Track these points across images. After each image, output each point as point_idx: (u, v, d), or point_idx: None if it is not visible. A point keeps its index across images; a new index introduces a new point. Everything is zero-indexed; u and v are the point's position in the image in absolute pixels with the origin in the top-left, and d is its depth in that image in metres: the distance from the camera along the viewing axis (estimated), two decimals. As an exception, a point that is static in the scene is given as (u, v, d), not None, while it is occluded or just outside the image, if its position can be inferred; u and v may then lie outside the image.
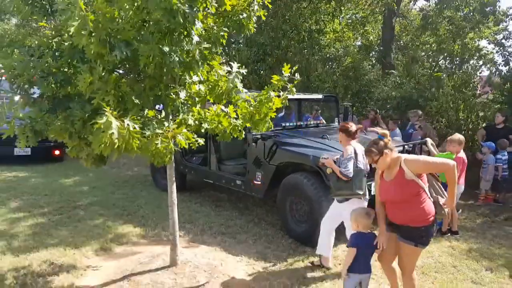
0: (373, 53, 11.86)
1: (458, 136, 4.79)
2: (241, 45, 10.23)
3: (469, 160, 6.47)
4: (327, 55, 11.01)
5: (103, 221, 5.02)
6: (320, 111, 7.56)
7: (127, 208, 5.55)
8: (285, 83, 2.99)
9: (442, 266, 3.97)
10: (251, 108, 3.07)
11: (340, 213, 3.59)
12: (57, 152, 8.57)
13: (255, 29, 3.10)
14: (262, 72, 9.75)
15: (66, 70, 2.90)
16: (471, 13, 10.08)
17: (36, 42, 2.90)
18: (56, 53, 2.85)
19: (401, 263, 2.93)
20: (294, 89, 3.05)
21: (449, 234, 4.76)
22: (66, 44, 2.73)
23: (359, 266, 2.88)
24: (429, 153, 5.24)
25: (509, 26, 19.72)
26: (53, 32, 2.92)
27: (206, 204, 5.80)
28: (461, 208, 5.75)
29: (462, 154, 4.78)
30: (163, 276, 3.53)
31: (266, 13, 3.05)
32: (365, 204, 3.52)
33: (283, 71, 2.97)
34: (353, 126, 3.55)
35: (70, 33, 2.12)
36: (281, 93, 3.06)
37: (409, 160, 2.71)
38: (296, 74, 2.94)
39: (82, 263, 3.84)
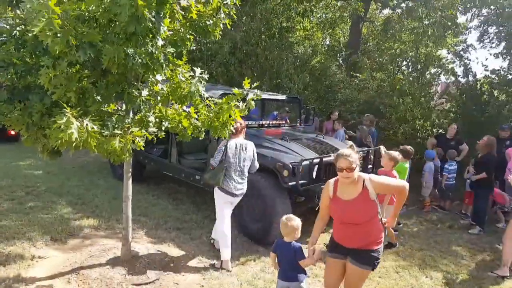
0: (340, 54, 12.15)
1: (393, 153, 4.62)
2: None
3: (419, 167, 6.94)
4: (296, 53, 11.16)
5: (55, 210, 4.91)
6: (289, 112, 7.68)
7: (81, 197, 5.46)
8: (245, 95, 3.06)
9: (386, 271, 4.16)
10: (211, 114, 3.12)
11: None
12: (12, 132, 8.20)
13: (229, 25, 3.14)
14: (231, 65, 9.72)
15: (28, 60, 2.83)
16: (433, 25, 10.55)
17: None
18: (19, 42, 2.78)
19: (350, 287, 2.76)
20: (253, 103, 3.13)
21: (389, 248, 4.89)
22: (30, 35, 2.65)
23: (282, 273, 2.79)
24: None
25: (468, 39, 20.86)
26: (17, 21, 2.82)
27: (163, 197, 5.81)
28: (408, 214, 6.15)
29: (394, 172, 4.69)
30: (113, 270, 3.54)
31: (231, 22, 3.09)
32: (225, 196, 3.88)
33: (243, 84, 3.04)
34: (237, 124, 3.75)
35: (34, 33, 2.06)
36: (241, 104, 3.13)
37: (376, 181, 2.56)
38: (256, 90, 3.03)
39: (30, 253, 3.77)
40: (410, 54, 11.95)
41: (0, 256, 3.65)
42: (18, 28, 2.82)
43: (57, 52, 2.17)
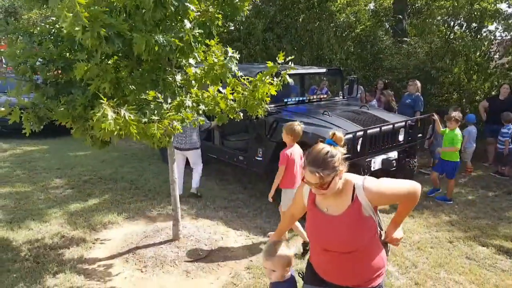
0: (386, 19, 11.37)
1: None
2: (251, 18, 9.91)
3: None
4: (338, 22, 10.63)
5: (111, 195, 5.23)
6: (326, 83, 7.44)
7: (134, 182, 5.76)
8: (278, 69, 2.98)
9: (438, 241, 4.04)
10: (246, 93, 3.09)
11: None
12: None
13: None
14: (270, 42, 9.53)
15: (67, 56, 2.96)
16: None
17: (38, 28, 2.96)
18: (58, 39, 2.91)
19: None
20: (287, 77, 3.04)
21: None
22: (65, 31, 2.77)
23: None
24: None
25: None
26: (54, 19, 2.96)
27: (210, 178, 5.95)
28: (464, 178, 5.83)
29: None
30: (166, 249, 3.73)
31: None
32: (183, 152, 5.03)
33: (277, 58, 2.94)
34: None
35: (63, 29, 2.15)
36: (275, 79, 3.06)
37: (372, 190, 1.68)
38: (290, 62, 2.92)
39: (91, 236, 4.07)
40: (466, 9, 10.89)
41: (64, 239, 3.98)
42: (56, 26, 2.96)
43: (89, 46, 2.23)
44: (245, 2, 2.92)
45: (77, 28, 2.09)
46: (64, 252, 3.73)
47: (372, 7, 12.94)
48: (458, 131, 5.02)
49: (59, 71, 2.89)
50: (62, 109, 2.70)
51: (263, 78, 3.02)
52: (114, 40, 2.29)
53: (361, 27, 10.58)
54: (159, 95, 3.15)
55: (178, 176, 4.38)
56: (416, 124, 4.96)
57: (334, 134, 1.77)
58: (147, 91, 2.94)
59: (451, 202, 5.07)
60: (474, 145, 6.32)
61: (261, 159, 4.87)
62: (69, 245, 3.86)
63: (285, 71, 3.06)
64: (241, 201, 5.05)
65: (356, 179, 1.72)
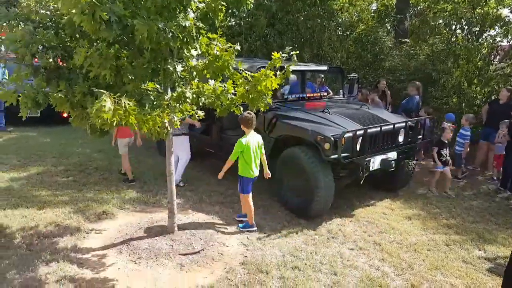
0: (388, 19, 11.33)
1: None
2: (253, 11, 9.87)
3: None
4: (340, 20, 10.59)
5: (107, 186, 5.19)
6: (324, 79, 7.41)
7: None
8: (283, 62, 2.96)
9: (435, 244, 4.02)
10: (248, 87, 3.06)
11: None
12: (65, 115, 8.67)
13: None
14: (270, 38, 9.48)
15: (67, 44, 2.93)
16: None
17: (39, 15, 2.92)
18: (59, 26, 2.87)
19: None
20: (290, 70, 3.01)
21: None
22: (66, 18, 2.73)
23: None
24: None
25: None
26: (56, 5, 2.91)
27: (207, 172, 5.92)
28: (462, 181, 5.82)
29: None
30: (161, 241, 3.70)
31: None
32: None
33: (281, 52, 2.93)
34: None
35: (60, 10, 2.10)
36: (278, 72, 3.03)
37: None
38: (293, 56, 2.90)
39: (85, 226, 4.03)
40: (467, 14, 10.88)
41: (58, 228, 3.94)
42: (57, 12, 2.91)
43: (89, 30, 2.19)
44: (249, -5, 2.88)
45: (74, 10, 2.04)
46: (58, 240, 3.69)
47: (374, 7, 12.90)
48: None
49: (59, 59, 2.84)
50: (61, 95, 2.65)
51: (266, 72, 2.98)
52: (113, 25, 2.24)
53: (362, 27, 10.55)
54: (158, 86, 3.12)
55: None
56: (416, 126, 4.93)
57: None
58: (147, 82, 2.90)
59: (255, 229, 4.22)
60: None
61: (259, 155, 4.82)
62: (63, 233, 3.82)
63: (288, 65, 3.03)
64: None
65: None
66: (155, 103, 2.85)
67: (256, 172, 4.01)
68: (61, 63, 2.98)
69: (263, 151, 4.11)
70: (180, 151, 5.25)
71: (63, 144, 7.27)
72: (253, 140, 3.94)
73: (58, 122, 8.64)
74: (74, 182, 5.26)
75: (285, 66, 3.02)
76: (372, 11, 11.64)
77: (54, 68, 2.95)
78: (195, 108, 3.18)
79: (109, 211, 4.38)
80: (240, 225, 4.17)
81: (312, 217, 4.36)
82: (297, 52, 3.13)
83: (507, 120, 5.73)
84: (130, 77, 2.67)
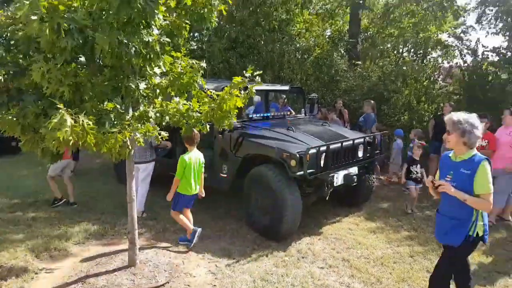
0: (341, 44, 11.95)
1: None
2: (211, 36, 10.05)
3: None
4: (298, 45, 11.00)
5: (59, 219, 4.77)
6: (286, 100, 7.54)
7: (86, 204, 5.32)
8: (246, 84, 2.93)
9: (400, 256, 4.07)
10: (213, 105, 2.99)
11: None
12: (13, 144, 8.09)
13: (222, 19, 3.05)
14: (232, 60, 9.60)
15: (20, 61, 2.74)
16: (431, 7, 10.34)
17: None
18: (11, 43, 2.68)
19: None
20: (253, 90, 3.00)
21: None
22: (20, 33, 2.55)
23: None
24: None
25: (467, 21, 20.65)
26: (7, 21, 2.71)
27: (170, 199, 5.65)
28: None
29: None
30: (121, 277, 3.40)
31: (227, 8, 2.95)
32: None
33: (244, 72, 2.90)
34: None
35: (18, 15, 1.95)
36: (242, 92, 3.00)
37: None
38: (257, 77, 2.89)
39: (34, 265, 3.63)
40: (411, 40, 11.74)
41: (2, 270, 3.51)
42: (9, 29, 2.71)
43: (46, 42, 2.03)
44: (212, 13, 2.85)
45: (33, 17, 1.89)
46: (0, 284, 3.27)
47: (329, 33, 13.56)
48: None
49: (10, 77, 2.63)
50: (11, 117, 2.42)
51: (230, 91, 2.93)
52: (74, 34, 2.10)
53: (318, 51, 11.01)
54: (118, 106, 2.95)
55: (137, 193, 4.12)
56: (374, 141, 5.07)
57: None
58: (106, 101, 2.74)
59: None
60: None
61: (225, 175, 4.72)
62: (6, 276, 3.40)
63: (252, 85, 3.01)
64: (204, 222, 4.80)
65: None
66: (115, 122, 2.68)
67: (194, 190, 4.04)
68: (10, 85, 2.75)
69: (203, 169, 4.18)
70: (144, 179, 4.96)
71: (9, 175, 6.70)
72: (195, 157, 3.99)
73: (6, 152, 8.06)
74: (22, 217, 4.79)
75: (249, 86, 2.99)
76: (327, 36, 12.21)
77: (4, 89, 2.72)
78: (158, 128, 3.04)
79: (61, 247, 3.99)
80: (180, 238, 4.22)
81: (281, 238, 4.25)
82: (261, 72, 3.13)
83: (416, 130, 6.37)
84: (90, 93, 2.50)
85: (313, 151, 4.05)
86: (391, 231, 4.76)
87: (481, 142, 5.08)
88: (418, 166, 5.54)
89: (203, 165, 4.16)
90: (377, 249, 4.21)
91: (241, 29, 9.77)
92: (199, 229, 4.11)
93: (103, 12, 2.41)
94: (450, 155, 2.69)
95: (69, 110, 2.17)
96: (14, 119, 2.63)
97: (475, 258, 4.00)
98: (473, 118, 2.53)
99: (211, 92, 3.13)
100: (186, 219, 4.12)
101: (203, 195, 4.28)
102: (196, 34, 10.51)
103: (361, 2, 10.93)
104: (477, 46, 8.82)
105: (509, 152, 4.97)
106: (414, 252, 4.16)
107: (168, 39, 2.68)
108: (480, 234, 2.53)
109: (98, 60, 2.71)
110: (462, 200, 2.45)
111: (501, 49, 8.48)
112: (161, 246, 4.14)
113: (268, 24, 10.25)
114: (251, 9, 9.88)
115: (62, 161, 4.97)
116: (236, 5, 9.63)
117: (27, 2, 1.91)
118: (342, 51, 11.11)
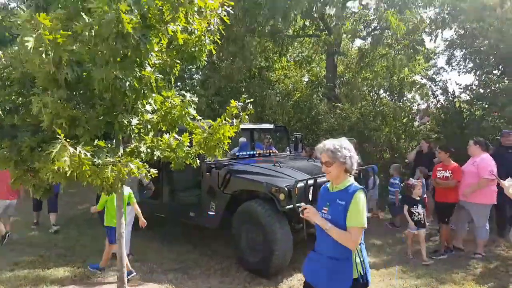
0: (320, 88, 12.56)
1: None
2: (197, 87, 10.56)
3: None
4: (278, 90, 11.53)
5: (41, 263, 4.61)
6: (271, 140, 7.75)
7: (70, 249, 5.17)
8: (238, 111, 3.09)
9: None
10: (205, 134, 3.11)
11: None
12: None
13: (207, 67, 3.24)
14: (216, 105, 9.94)
15: (14, 98, 2.83)
16: (403, 50, 11.08)
17: None
18: (6, 83, 2.78)
19: None
20: (246, 117, 3.15)
21: None
22: (14, 73, 2.66)
23: None
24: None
25: (438, 63, 22.05)
26: (4, 61, 2.83)
27: (157, 239, 5.56)
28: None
29: None
30: (110, 318, 3.29)
31: (215, 47, 3.16)
32: None
33: (237, 101, 3.08)
34: None
35: (20, 55, 2.07)
36: (234, 121, 3.14)
37: None
38: (249, 105, 3.06)
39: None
40: (385, 84, 12.47)
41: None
42: (6, 70, 2.82)
43: (43, 79, 2.15)
44: (202, 53, 3.04)
45: (41, 49, 2.02)
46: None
47: (306, 79, 14.28)
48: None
49: (4, 113, 2.71)
50: (4, 152, 2.47)
51: (225, 119, 3.08)
52: (73, 67, 2.23)
53: (298, 94, 11.54)
54: (109, 144, 3.03)
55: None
56: (359, 175, 5.22)
57: None
58: (100, 135, 2.82)
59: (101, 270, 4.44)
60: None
61: (213, 213, 4.72)
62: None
63: (244, 113, 3.16)
64: (192, 261, 4.73)
65: None
66: (108, 155, 2.75)
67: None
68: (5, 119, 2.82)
69: (134, 200, 4.44)
70: (128, 222, 4.89)
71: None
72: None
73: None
74: (3, 261, 4.60)
75: (241, 114, 3.14)
76: (304, 82, 12.86)
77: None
78: (147, 166, 3.10)
79: (46, 291, 3.85)
80: (90, 265, 4.44)
81: (272, 275, 4.21)
82: (252, 99, 3.29)
83: (422, 167, 6.43)
84: (84, 127, 2.59)
85: (301, 184, 4.14)
86: (381, 265, 4.74)
87: (444, 173, 5.13)
88: (420, 206, 5.01)
89: (133, 195, 4.46)
90: (372, 284, 4.19)
91: (223, 75, 10.21)
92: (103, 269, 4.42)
93: (99, 52, 2.56)
94: (328, 185, 2.40)
95: (68, 140, 2.23)
96: (7, 154, 2.67)
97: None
98: (345, 141, 2.29)
99: (203, 123, 3.25)
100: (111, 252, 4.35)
101: (145, 224, 4.51)
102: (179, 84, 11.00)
103: (335, 49, 11.65)
104: (446, 86, 9.38)
105: (474, 181, 4.86)
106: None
107: (161, 75, 2.82)
108: (363, 273, 2.16)
109: (90, 95, 2.80)
110: (324, 229, 2.17)
111: (473, 85, 8.87)
112: (149, 287, 4.03)
113: (248, 71, 10.79)
114: (230, 59, 10.41)
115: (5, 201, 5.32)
116: (217, 53, 10.17)
117: (32, 37, 2.04)
118: (320, 95, 11.67)
